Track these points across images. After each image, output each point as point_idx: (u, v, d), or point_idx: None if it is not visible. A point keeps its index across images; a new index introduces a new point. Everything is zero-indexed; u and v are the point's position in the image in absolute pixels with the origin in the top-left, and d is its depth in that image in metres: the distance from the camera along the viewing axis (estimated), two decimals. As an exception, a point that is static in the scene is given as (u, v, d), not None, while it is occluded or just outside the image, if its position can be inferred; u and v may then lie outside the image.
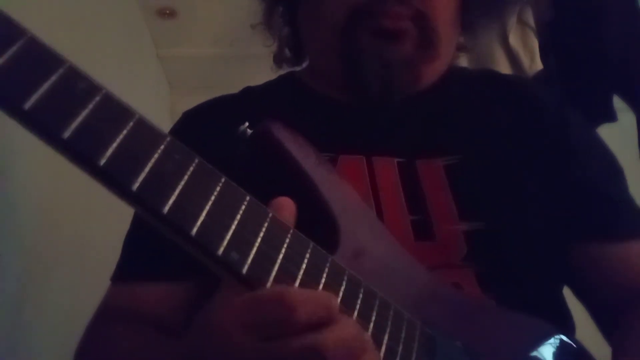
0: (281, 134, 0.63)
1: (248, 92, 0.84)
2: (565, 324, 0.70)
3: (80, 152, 0.38)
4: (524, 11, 1.58)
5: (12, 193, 1.22)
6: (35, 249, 1.29)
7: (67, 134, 0.37)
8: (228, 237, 0.42)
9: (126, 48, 2.11)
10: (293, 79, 0.85)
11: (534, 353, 0.62)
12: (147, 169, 0.40)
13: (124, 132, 0.39)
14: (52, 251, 1.37)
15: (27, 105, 0.36)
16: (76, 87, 0.38)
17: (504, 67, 1.47)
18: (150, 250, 0.66)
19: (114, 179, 0.39)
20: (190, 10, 2.42)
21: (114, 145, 0.39)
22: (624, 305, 0.68)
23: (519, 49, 1.50)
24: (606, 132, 1.01)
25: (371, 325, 0.49)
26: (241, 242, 0.43)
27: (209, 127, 0.75)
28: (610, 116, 1.41)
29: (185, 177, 0.41)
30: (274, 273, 0.44)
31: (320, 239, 0.50)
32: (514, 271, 0.67)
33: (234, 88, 0.85)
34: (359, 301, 0.49)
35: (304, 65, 0.88)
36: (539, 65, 1.48)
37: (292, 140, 0.64)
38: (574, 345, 0.65)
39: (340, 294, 0.48)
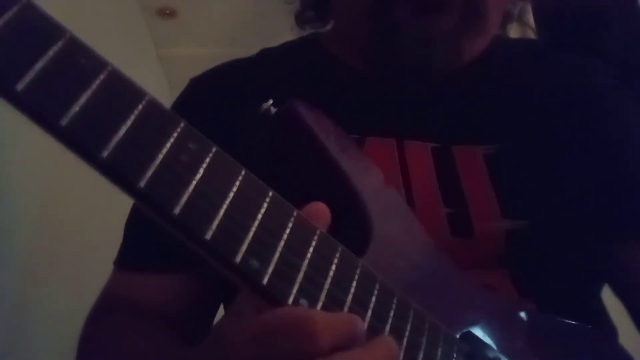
0: (309, 116, 0.56)
1: (265, 56, 0.75)
2: (606, 329, 0.66)
3: (80, 142, 0.32)
4: (524, 11, 1.58)
5: (12, 193, 1.22)
6: (35, 249, 1.29)
7: (65, 121, 0.31)
8: (247, 242, 0.36)
9: (126, 48, 2.11)
10: (315, 43, 0.75)
11: None
12: (157, 163, 0.34)
13: (132, 117, 0.34)
14: (52, 251, 1.37)
15: (20, 86, 0.30)
16: (77, 64, 0.33)
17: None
18: (153, 239, 0.61)
19: (118, 174, 0.33)
20: (190, 10, 2.42)
21: (120, 133, 0.33)
22: None
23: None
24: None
25: (405, 340, 0.44)
26: (262, 247, 0.37)
27: (221, 99, 0.67)
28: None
29: (200, 171, 0.35)
30: (297, 285, 0.38)
31: (349, 235, 0.44)
32: (556, 273, 0.61)
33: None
34: (391, 313, 0.43)
35: (329, 27, 0.79)
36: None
37: (321, 123, 0.56)
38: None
39: (371, 304, 0.42)
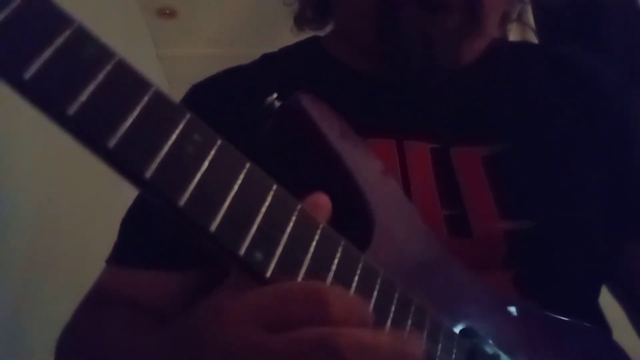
0: (314, 110, 0.56)
1: (266, 60, 0.75)
2: (601, 327, 0.66)
3: (87, 132, 0.32)
4: (524, 11, 1.58)
5: (12, 193, 1.22)
6: (35, 249, 1.29)
7: (72, 110, 0.31)
8: (251, 234, 0.37)
9: (126, 48, 2.09)
10: (315, 45, 0.76)
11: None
12: (163, 153, 0.34)
13: (138, 108, 0.34)
14: (52, 251, 1.37)
15: (27, 74, 0.30)
16: (84, 53, 0.33)
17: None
18: (150, 235, 0.62)
19: (124, 163, 0.33)
20: (190, 10, 2.42)
21: (127, 123, 0.33)
22: None
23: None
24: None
25: (406, 335, 0.44)
26: (266, 240, 0.37)
27: (223, 103, 0.68)
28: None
29: (206, 163, 0.36)
30: (300, 278, 0.39)
31: (352, 228, 0.44)
32: (558, 274, 0.61)
33: (234, 88, 0.83)
34: (392, 307, 0.44)
35: (329, 29, 0.80)
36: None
37: (325, 116, 0.56)
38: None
39: (373, 299, 0.42)
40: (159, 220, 0.37)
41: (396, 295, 0.44)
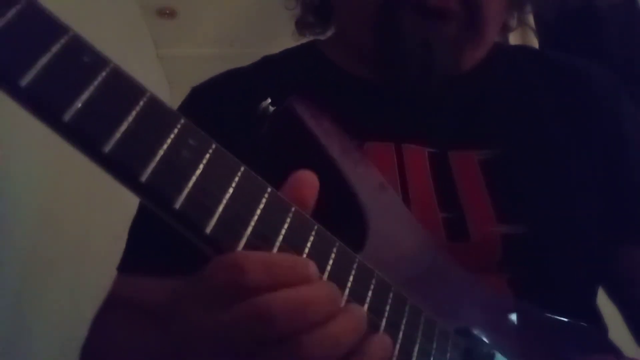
0: (306, 114, 0.56)
1: (265, 63, 0.76)
2: (598, 327, 0.66)
3: (83, 138, 0.33)
4: (524, 12, 1.58)
5: (12, 193, 1.22)
6: (35, 249, 1.29)
7: (68, 117, 0.32)
8: (246, 236, 0.37)
9: (126, 48, 2.11)
10: (315, 50, 0.76)
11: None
12: (158, 157, 0.34)
13: (133, 113, 0.34)
14: (52, 251, 1.37)
15: (24, 82, 0.31)
16: (80, 60, 0.33)
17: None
18: (156, 242, 0.62)
19: (120, 168, 0.34)
20: (190, 10, 2.42)
21: (122, 128, 0.33)
22: None
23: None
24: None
25: (400, 334, 0.44)
26: (261, 242, 0.38)
27: (222, 105, 0.68)
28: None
29: (201, 167, 0.36)
30: None
31: (347, 231, 0.45)
32: (554, 278, 0.62)
33: (235, 88, 0.82)
34: (387, 307, 0.44)
35: (329, 34, 0.80)
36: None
37: (319, 122, 0.57)
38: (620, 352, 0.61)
39: (368, 298, 0.42)
40: (164, 226, 0.37)
41: (391, 295, 0.45)
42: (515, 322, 0.57)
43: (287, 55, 0.77)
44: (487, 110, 0.69)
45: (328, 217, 0.43)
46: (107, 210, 1.54)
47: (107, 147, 0.33)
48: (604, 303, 0.70)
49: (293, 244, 0.39)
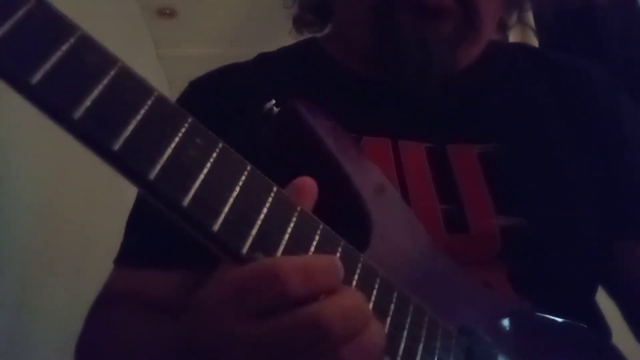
0: (310, 116, 0.56)
1: (263, 59, 0.76)
2: (600, 328, 0.66)
3: (93, 135, 0.33)
4: (524, 11, 1.58)
5: (12, 193, 1.22)
6: (35, 249, 1.29)
7: (77, 114, 0.32)
8: (253, 235, 0.38)
9: (126, 48, 2.10)
10: (313, 46, 0.76)
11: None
12: (165, 156, 0.35)
13: (141, 112, 0.35)
14: (52, 251, 1.37)
15: (34, 80, 0.32)
16: (89, 59, 0.34)
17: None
18: (154, 236, 0.62)
19: (128, 166, 0.34)
20: (190, 10, 2.42)
21: (130, 127, 0.34)
22: None
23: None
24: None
25: (405, 333, 0.45)
26: (267, 241, 0.38)
27: (221, 100, 0.68)
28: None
29: (208, 165, 0.37)
30: None
31: (351, 231, 0.45)
32: (552, 271, 0.62)
33: (234, 88, 0.83)
34: (392, 306, 0.44)
35: (327, 31, 0.80)
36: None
37: (322, 122, 0.57)
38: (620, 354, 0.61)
39: (373, 297, 0.43)
40: (161, 220, 0.37)
41: (395, 294, 0.45)
42: (518, 323, 0.57)
43: (285, 52, 0.78)
44: (485, 105, 0.69)
45: (332, 218, 0.43)
46: (107, 210, 1.54)
47: (116, 145, 0.33)
48: (608, 306, 0.70)
49: (298, 244, 0.40)
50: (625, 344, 0.64)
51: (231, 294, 0.38)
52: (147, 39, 2.55)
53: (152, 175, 0.34)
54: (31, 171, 1.28)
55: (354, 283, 0.42)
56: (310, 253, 0.40)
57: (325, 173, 0.50)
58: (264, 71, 0.72)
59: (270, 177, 0.41)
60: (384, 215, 0.54)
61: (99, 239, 1.49)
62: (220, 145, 0.38)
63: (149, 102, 0.35)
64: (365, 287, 0.42)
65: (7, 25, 0.31)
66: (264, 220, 0.38)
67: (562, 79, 0.72)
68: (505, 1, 0.72)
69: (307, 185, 0.43)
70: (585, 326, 0.60)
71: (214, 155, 0.37)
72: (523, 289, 0.59)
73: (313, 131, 0.56)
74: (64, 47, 0.33)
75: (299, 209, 0.41)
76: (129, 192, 0.47)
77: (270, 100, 0.59)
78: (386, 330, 0.43)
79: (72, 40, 0.33)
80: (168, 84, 2.69)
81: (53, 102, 0.32)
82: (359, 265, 0.43)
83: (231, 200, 0.37)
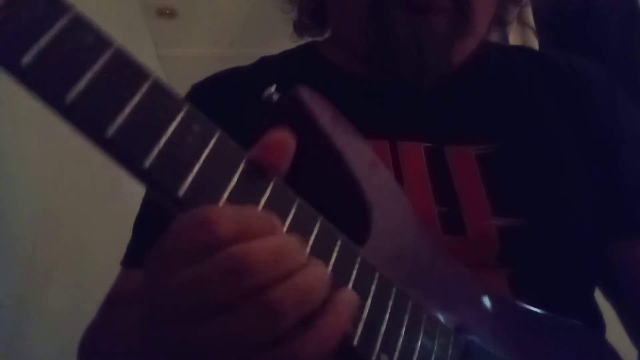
0: (312, 102, 0.56)
1: (264, 63, 0.77)
2: (596, 325, 0.66)
3: (85, 120, 0.32)
4: (523, 11, 1.58)
5: (12, 193, 1.22)
6: (35, 250, 1.29)
7: (69, 98, 0.31)
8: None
9: (126, 48, 2.10)
10: (312, 50, 0.78)
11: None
12: (162, 143, 0.34)
13: (137, 97, 0.33)
14: (52, 251, 1.37)
15: (24, 61, 0.30)
16: (82, 41, 0.32)
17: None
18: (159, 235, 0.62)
19: (123, 153, 0.33)
20: (190, 10, 2.42)
21: (125, 113, 0.33)
22: None
23: (519, 49, 1.50)
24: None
25: (403, 331, 0.44)
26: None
27: (222, 101, 0.69)
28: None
29: (205, 153, 0.36)
30: None
31: (349, 222, 0.44)
32: (551, 272, 0.62)
33: (234, 88, 0.83)
34: (390, 302, 0.44)
35: (326, 35, 0.82)
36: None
37: (324, 110, 0.56)
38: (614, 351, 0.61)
39: (371, 293, 0.42)
40: (169, 219, 0.37)
41: (393, 290, 0.45)
42: (514, 321, 0.57)
43: (285, 55, 0.79)
44: (483, 105, 0.69)
45: (332, 209, 0.42)
46: (108, 210, 1.54)
47: (110, 131, 0.32)
48: (604, 304, 0.70)
49: (296, 235, 0.39)
50: (621, 342, 0.64)
51: (167, 246, 0.36)
52: (147, 39, 2.55)
53: (147, 162, 0.33)
54: (31, 171, 1.28)
55: (352, 279, 0.41)
56: (310, 246, 0.39)
57: (326, 162, 0.50)
58: (264, 74, 0.73)
59: None
60: (384, 207, 0.54)
61: (99, 239, 1.49)
62: (218, 132, 0.37)
63: (145, 87, 0.34)
64: (362, 284, 0.42)
65: None
66: (263, 208, 0.37)
67: (560, 78, 0.72)
68: None
69: (285, 141, 0.41)
70: (580, 324, 0.60)
71: (212, 142, 0.36)
72: (521, 290, 0.59)
73: (314, 118, 0.55)
74: (57, 26, 0.31)
75: (297, 201, 0.40)
76: (129, 193, 0.47)
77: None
78: (383, 328, 0.42)
79: (65, 20, 0.32)
80: (168, 83, 2.69)
81: (44, 85, 0.31)
82: (357, 260, 0.42)
83: (228, 190, 0.36)
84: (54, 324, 1.33)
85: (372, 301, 0.42)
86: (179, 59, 2.60)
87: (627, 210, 0.68)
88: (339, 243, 0.41)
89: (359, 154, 0.57)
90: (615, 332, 0.68)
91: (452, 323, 0.51)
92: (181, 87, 0.77)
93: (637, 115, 0.74)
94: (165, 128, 0.35)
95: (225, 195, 0.36)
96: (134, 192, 0.57)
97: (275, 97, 0.58)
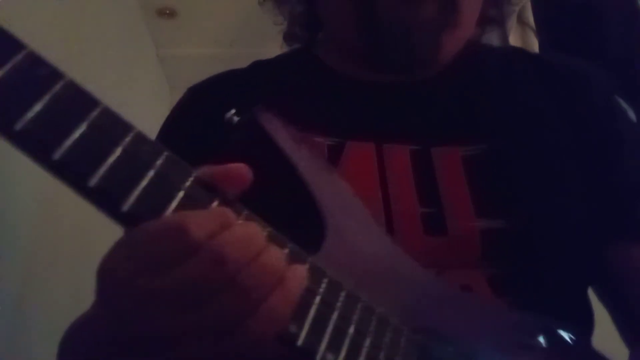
0: (269, 123, 0.59)
1: (257, 66, 0.78)
2: (584, 325, 0.66)
3: (33, 146, 0.36)
4: (524, 11, 1.58)
5: (12, 193, 1.22)
6: (35, 249, 1.29)
7: (19, 126, 0.35)
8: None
9: (126, 48, 2.11)
10: (306, 53, 0.79)
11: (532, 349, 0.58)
12: (107, 164, 0.37)
13: (85, 123, 0.37)
14: (52, 251, 1.37)
15: None
16: (35, 74, 0.36)
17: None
18: None
19: (70, 174, 0.37)
20: (190, 10, 2.42)
21: (73, 137, 0.36)
22: None
23: (519, 49, 1.50)
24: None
25: (352, 328, 0.46)
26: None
27: (217, 106, 0.69)
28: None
29: (151, 173, 0.39)
30: None
31: (306, 232, 0.46)
32: (535, 275, 0.61)
33: (234, 88, 0.83)
34: (338, 304, 0.45)
35: (319, 39, 0.82)
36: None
37: (282, 130, 0.60)
38: (575, 342, 0.60)
39: (318, 297, 0.44)
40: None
41: (343, 292, 0.46)
42: (480, 320, 0.57)
43: (279, 58, 0.80)
44: (471, 106, 0.69)
45: (289, 219, 0.44)
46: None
47: (57, 155, 0.36)
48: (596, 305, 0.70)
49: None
50: (613, 344, 0.64)
51: (139, 253, 0.39)
52: (147, 39, 2.55)
53: (93, 181, 0.37)
54: (31, 171, 1.28)
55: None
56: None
57: (285, 180, 0.53)
58: (257, 78, 0.75)
59: None
60: (338, 216, 0.57)
61: (99, 239, 1.49)
62: (165, 153, 0.40)
63: (95, 114, 0.37)
64: (312, 284, 0.44)
65: None
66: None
67: (557, 80, 0.72)
68: None
69: (242, 176, 0.43)
70: (559, 324, 0.60)
71: (159, 162, 0.39)
72: (504, 292, 0.59)
73: (270, 137, 0.59)
74: (12, 62, 0.35)
75: (245, 212, 0.42)
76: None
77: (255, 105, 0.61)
78: (332, 322, 0.44)
79: (19, 56, 0.35)
80: (168, 84, 2.69)
81: None
82: (306, 267, 0.44)
83: (173, 206, 0.39)
84: (54, 324, 1.33)
85: (320, 301, 0.44)
86: (179, 59, 2.61)
87: (625, 213, 0.67)
88: (286, 251, 0.43)
89: (318, 170, 0.60)
90: (607, 334, 0.68)
91: (408, 324, 0.52)
92: (181, 87, 0.77)
93: (636, 122, 0.73)
94: (111, 151, 0.38)
95: (171, 209, 0.39)
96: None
97: (234, 120, 0.62)
